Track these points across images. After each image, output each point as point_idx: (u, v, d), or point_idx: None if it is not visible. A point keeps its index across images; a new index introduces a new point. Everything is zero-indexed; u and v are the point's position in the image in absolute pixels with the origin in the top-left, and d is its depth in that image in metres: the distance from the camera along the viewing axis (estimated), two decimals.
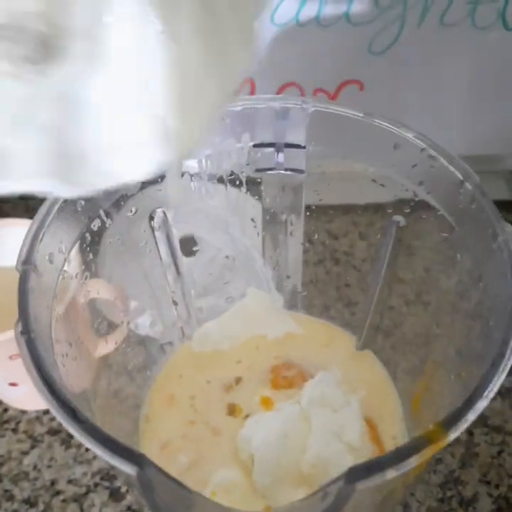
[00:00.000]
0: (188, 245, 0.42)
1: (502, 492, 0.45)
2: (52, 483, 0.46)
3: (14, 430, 0.49)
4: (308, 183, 0.39)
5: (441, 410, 0.32)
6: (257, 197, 0.40)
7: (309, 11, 0.55)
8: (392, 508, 0.42)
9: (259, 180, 0.38)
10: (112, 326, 0.40)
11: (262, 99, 0.35)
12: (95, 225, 0.33)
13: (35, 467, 0.47)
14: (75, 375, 0.32)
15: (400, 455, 0.21)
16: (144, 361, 0.42)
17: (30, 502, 0.45)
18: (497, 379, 0.23)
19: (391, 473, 0.20)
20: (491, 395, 0.23)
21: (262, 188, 0.39)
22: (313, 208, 0.43)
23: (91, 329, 0.38)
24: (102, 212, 0.33)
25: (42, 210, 0.29)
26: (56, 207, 0.30)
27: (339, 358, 0.44)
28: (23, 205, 0.70)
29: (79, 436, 0.23)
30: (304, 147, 0.36)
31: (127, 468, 0.22)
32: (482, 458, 0.46)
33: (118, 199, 0.34)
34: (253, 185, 0.39)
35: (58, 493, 0.46)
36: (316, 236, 0.47)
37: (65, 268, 0.31)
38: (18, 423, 0.50)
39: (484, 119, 0.63)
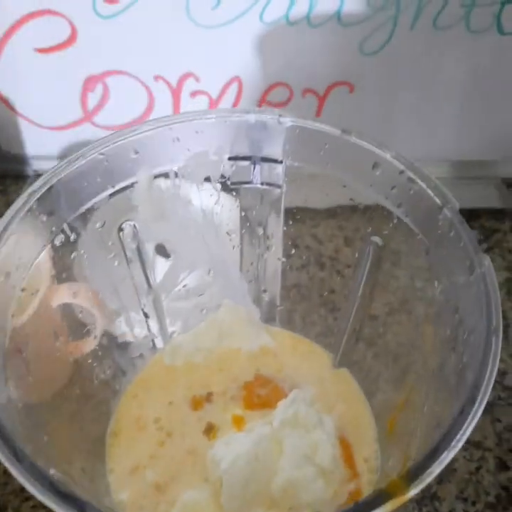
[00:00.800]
0: (162, 254, 0.41)
1: (479, 509, 0.44)
2: (23, 488, 0.45)
3: None
4: (287, 188, 0.38)
5: (413, 435, 0.32)
6: (231, 209, 0.39)
7: (300, 10, 0.55)
8: None
9: (234, 193, 0.37)
10: (82, 331, 0.39)
11: (237, 111, 0.34)
12: (59, 240, 0.32)
13: (5, 472, 0.44)
14: (34, 385, 0.32)
15: (358, 510, 0.20)
16: (114, 374, 0.41)
17: (0, 506, 0.44)
18: (466, 427, 0.22)
19: None
20: (460, 444, 0.22)
21: (239, 201, 0.38)
22: (296, 210, 0.41)
23: (59, 335, 0.37)
24: (66, 226, 0.32)
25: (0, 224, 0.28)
26: (15, 221, 0.28)
27: (315, 375, 0.43)
28: (3, 199, 0.69)
29: (19, 476, 0.22)
30: (281, 162, 0.35)
31: None
32: (460, 474, 0.46)
33: (84, 212, 0.33)
34: (229, 195, 0.38)
35: (28, 498, 0.45)
36: (299, 240, 0.46)
37: (24, 286, 0.29)
38: None
39: (475, 124, 0.63)
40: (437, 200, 0.30)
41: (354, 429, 0.40)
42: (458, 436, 0.22)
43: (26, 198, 0.30)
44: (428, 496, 0.45)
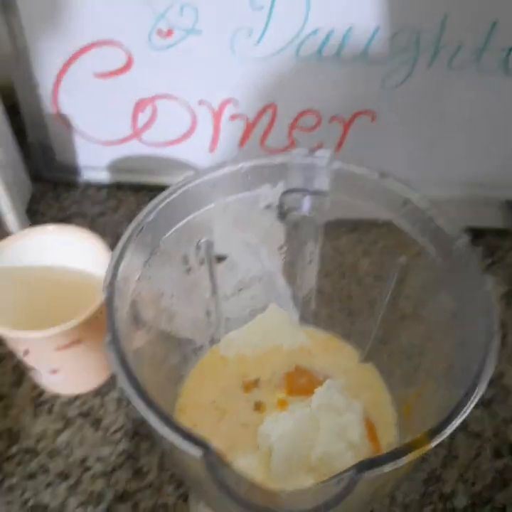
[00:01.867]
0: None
1: (477, 490, 0.49)
2: (83, 460, 0.51)
3: (49, 411, 0.54)
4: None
5: (427, 420, 0.37)
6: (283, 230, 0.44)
7: (331, 48, 0.59)
8: (382, 498, 0.47)
9: (286, 216, 0.43)
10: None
11: (297, 155, 0.39)
12: (157, 252, 0.37)
13: (67, 445, 0.52)
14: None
15: (395, 454, 0.28)
16: (180, 361, 0.46)
17: (64, 475, 0.50)
18: (469, 405, 0.29)
19: (388, 467, 0.27)
20: (465, 415, 0.29)
21: (289, 223, 0.44)
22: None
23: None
24: (161, 243, 0.38)
25: (121, 242, 0.34)
26: (133, 238, 0.34)
27: (344, 368, 0.47)
28: (56, 205, 0.74)
29: (158, 426, 0.28)
30: (327, 195, 0.40)
31: (194, 451, 0.28)
32: (461, 460, 0.51)
33: (173, 232, 0.38)
34: (282, 219, 0.44)
35: (88, 469, 0.50)
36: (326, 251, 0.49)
37: (131, 291, 0.36)
38: (52, 405, 0.55)
39: (484, 152, 0.68)
40: (453, 233, 0.35)
41: (377, 413, 0.44)
42: (464, 410, 0.29)
43: (141, 220, 0.35)
44: (433, 477, 0.50)
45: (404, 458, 0.27)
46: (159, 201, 0.37)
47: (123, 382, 0.29)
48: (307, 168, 0.40)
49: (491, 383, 0.30)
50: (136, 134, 0.71)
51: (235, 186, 0.39)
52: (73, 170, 0.75)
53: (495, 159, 0.70)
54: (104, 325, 0.31)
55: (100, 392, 0.56)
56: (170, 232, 0.38)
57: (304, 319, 0.50)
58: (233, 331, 0.49)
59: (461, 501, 0.49)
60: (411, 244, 0.39)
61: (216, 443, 0.42)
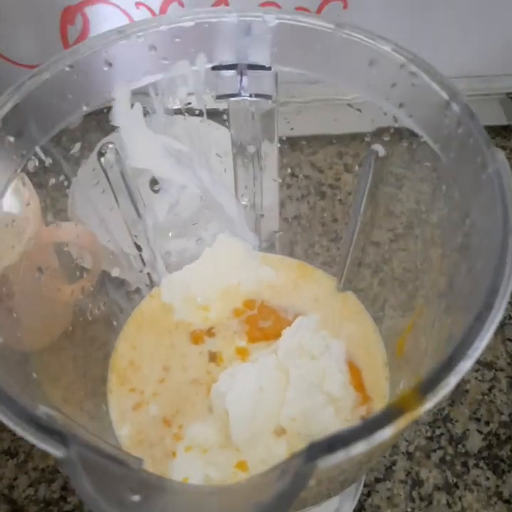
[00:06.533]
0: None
1: (492, 429, 0.45)
2: None
3: None
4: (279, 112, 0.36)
5: (424, 359, 0.30)
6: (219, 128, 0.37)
7: None
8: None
9: (221, 110, 0.35)
10: (78, 273, 0.38)
11: (217, 11, 0.30)
12: (32, 165, 0.29)
13: None
14: (27, 335, 0.30)
15: (368, 428, 0.18)
16: (110, 310, 0.40)
17: (11, 453, 0.45)
18: (484, 335, 0.20)
19: (357, 449, 0.17)
20: (477, 353, 0.19)
21: (227, 118, 0.36)
22: (294, 138, 0.40)
23: (55, 279, 0.36)
24: (38, 150, 0.29)
25: None
26: None
27: (318, 301, 0.42)
28: None
29: None
30: (269, 68, 0.32)
31: (52, 449, 0.19)
32: (472, 395, 0.47)
33: (58, 134, 0.30)
34: (216, 117, 0.35)
35: None
36: (298, 169, 0.44)
37: None
38: None
39: (477, 39, 0.61)
40: (444, 94, 0.27)
41: (363, 352, 0.39)
42: (475, 344, 0.20)
43: None
44: (440, 418, 0.45)
45: (382, 431, 0.17)
46: (21, 86, 0.27)
47: None
48: (235, 32, 0.31)
49: None
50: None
51: (139, 64, 0.31)
52: None
53: (489, 47, 0.62)
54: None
55: None
56: (51, 134, 0.29)
57: (268, 246, 0.45)
58: (176, 272, 0.43)
59: (474, 443, 0.44)
60: (385, 125, 0.29)
61: (160, 408, 0.37)
